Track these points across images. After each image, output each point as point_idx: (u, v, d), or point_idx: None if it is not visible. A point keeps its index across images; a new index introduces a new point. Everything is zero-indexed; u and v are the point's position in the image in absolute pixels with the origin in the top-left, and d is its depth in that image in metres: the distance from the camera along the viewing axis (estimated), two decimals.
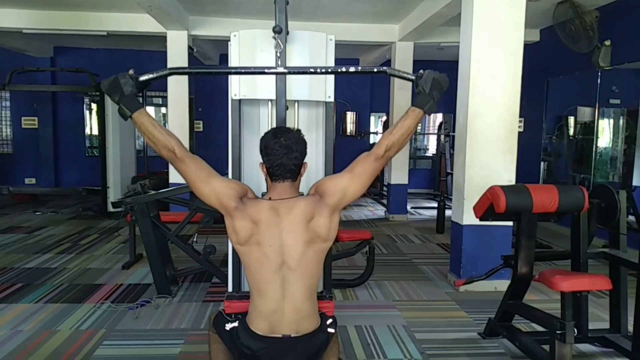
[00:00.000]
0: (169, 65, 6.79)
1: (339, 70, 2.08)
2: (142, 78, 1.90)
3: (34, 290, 4.16)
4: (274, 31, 2.31)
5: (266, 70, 2.19)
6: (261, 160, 2.01)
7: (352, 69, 2.07)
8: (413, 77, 1.94)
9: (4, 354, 2.99)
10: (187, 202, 4.38)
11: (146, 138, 1.86)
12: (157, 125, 1.86)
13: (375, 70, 2.10)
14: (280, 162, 1.93)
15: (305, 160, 2.02)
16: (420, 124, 10.69)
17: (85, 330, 3.37)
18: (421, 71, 1.92)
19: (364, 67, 2.25)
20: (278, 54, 2.35)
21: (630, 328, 2.93)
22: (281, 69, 2.19)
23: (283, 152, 1.93)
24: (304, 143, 2.01)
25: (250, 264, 1.93)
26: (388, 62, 8.10)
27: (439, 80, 1.87)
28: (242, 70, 2.32)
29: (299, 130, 2.06)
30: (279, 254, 1.88)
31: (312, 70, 2.20)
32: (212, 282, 4.42)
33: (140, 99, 8.50)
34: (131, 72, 1.85)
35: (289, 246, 1.88)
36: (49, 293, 4.09)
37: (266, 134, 2.02)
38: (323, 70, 2.19)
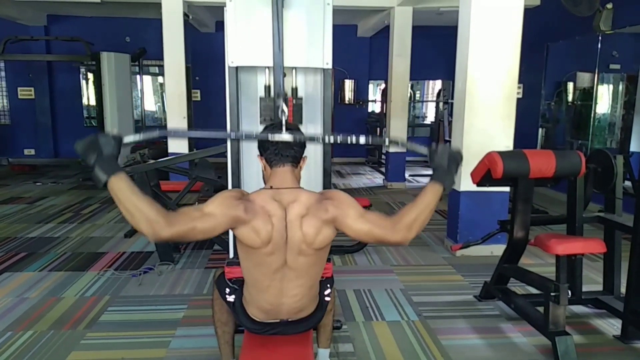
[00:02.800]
0: (164, 32, 6.70)
1: (348, 141, 1.80)
2: (127, 140, 1.63)
3: (38, 259, 4.23)
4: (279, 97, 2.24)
5: (269, 137, 1.83)
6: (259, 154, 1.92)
7: (362, 140, 1.79)
8: (427, 152, 1.79)
9: (11, 320, 3.07)
10: (186, 171, 4.40)
11: (122, 208, 1.52)
12: (136, 193, 1.52)
13: (386, 142, 2.00)
14: (279, 146, 1.83)
15: (305, 155, 1.91)
16: (418, 92, 10.61)
17: (89, 297, 3.44)
18: (433, 145, 1.76)
19: (375, 136, 2.15)
20: (283, 119, 2.03)
21: (623, 290, 3.00)
22: (286, 137, 1.83)
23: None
24: (303, 135, 1.92)
25: (253, 263, 1.81)
26: (387, 28, 7.98)
27: (454, 154, 1.72)
28: (243, 136, 2.19)
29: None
30: (282, 252, 1.76)
31: (319, 139, 2.09)
32: (213, 250, 4.49)
33: (137, 68, 8.38)
34: (115, 131, 1.61)
35: (292, 243, 1.75)
36: (52, 261, 4.16)
37: (264, 128, 1.97)
38: (329, 139, 1.89)
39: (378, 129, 10.35)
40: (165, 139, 1.74)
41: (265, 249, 1.74)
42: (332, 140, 1.83)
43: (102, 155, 1.53)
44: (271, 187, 1.82)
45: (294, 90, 2.60)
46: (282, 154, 1.82)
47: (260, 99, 2.58)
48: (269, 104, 2.54)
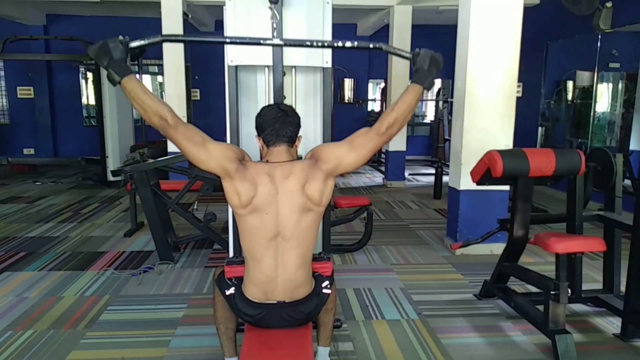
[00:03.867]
0: (164, 32, 6.69)
1: (335, 44, 2.03)
2: (133, 44, 1.81)
3: (37, 258, 4.23)
4: (270, 1, 2.27)
5: (262, 42, 2.12)
6: (257, 134, 2.06)
7: (348, 44, 2.01)
8: (410, 55, 1.96)
9: (11, 319, 3.07)
10: (186, 170, 4.39)
11: (136, 105, 1.75)
12: (147, 92, 1.75)
13: (371, 46, 2.07)
14: (276, 127, 1.97)
15: (300, 134, 2.06)
16: None
17: (89, 296, 3.44)
18: (417, 49, 1.95)
19: (361, 41, 2.23)
20: (274, 25, 2.31)
21: (623, 288, 3.00)
22: (277, 41, 2.12)
23: (278, 116, 1.99)
24: (298, 116, 2.07)
25: (246, 231, 1.94)
26: (386, 27, 7.98)
27: (436, 57, 1.92)
28: (237, 40, 2.28)
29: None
30: (275, 222, 1.89)
31: (307, 43, 2.16)
32: (213, 249, 4.49)
33: (136, 67, 8.41)
34: (121, 37, 1.76)
35: (284, 215, 1.89)
36: (52, 261, 4.16)
37: (261, 109, 2.08)
38: (318, 44, 2.13)
39: None
40: (167, 40, 1.83)
41: (242, 210, 1.89)
42: (325, 44, 2.07)
43: (113, 58, 1.72)
44: (267, 161, 1.98)
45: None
46: (278, 134, 1.97)
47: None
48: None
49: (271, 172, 1.91)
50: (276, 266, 1.93)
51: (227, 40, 2.20)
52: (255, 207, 1.88)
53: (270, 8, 2.29)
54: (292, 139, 2.01)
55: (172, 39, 2.36)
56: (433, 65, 1.91)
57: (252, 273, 1.97)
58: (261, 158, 2.07)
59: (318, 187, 1.90)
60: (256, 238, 1.91)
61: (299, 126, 2.05)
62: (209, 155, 1.84)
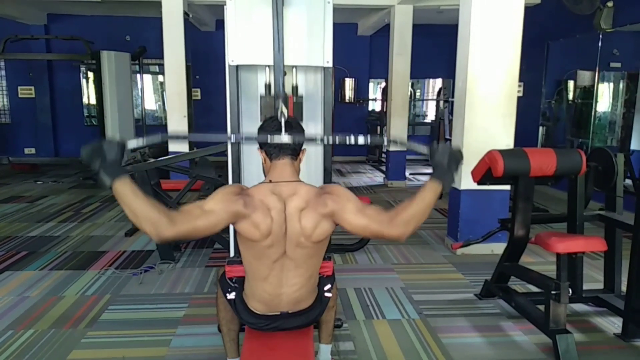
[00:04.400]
0: (165, 31, 6.70)
1: (347, 141, 1.83)
2: (130, 145, 1.67)
3: (38, 257, 4.23)
4: None
5: (269, 140, 1.87)
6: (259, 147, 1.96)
7: (360, 140, 1.82)
8: (427, 151, 1.80)
9: (12, 318, 3.07)
10: (187, 170, 4.40)
11: (127, 210, 1.59)
12: (140, 196, 1.58)
13: (385, 142, 2.01)
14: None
15: (304, 148, 1.95)
16: (419, 90, 10.58)
17: (90, 295, 3.45)
18: (435, 144, 1.78)
19: (374, 137, 2.15)
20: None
21: (624, 288, 3.00)
22: (285, 138, 1.86)
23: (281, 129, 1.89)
24: (302, 128, 1.96)
25: (252, 257, 1.85)
26: (387, 27, 7.97)
27: (455, 153, 1.73)
28: (244, 139, 2.21)
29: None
30: (282, 242, 1.80)
31: (318, 141, 2.04)
32: (214, 248, 4.49)
33: (137, 67, 8.39)
34: (117, 138, 1.64)
35: (291, 235, 1.79)
36: (53, 260, 4.16)
37: (263, 121, 2.00)
38: (328, 140, 1.95)
39: (378, 128, 10.35)
40: (167, 142, 1.79)
41: (264, 242, 1.77)
42: (330, 141, 1.86)
43: (106, 160, 1.59)
44: (270, 181, 1.86)
45: (294, 89, 2.59)
46: (281, 147, 1.87)
47: (261, 97, 2.58)
48: (270, 102, 2.54)
49: (276, 189, 1.81)
50: (280, 285, 1.87)
51: (232, 139, 2.17)
52: (273, 234, 1.77)
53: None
54: (295, 152, 1.91)
55: (173, 135, 2.31)
56: (453, 161, 1.72)
57: (255, 290, 1.92)
58: (264, 171, 1.98)
59: (314, 218, 1.78)
60: (262, 261, 1.83)
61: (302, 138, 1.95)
62: (215, 214, 1.69)
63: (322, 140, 1.95)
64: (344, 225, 1.79)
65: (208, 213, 1.68)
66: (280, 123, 1.88)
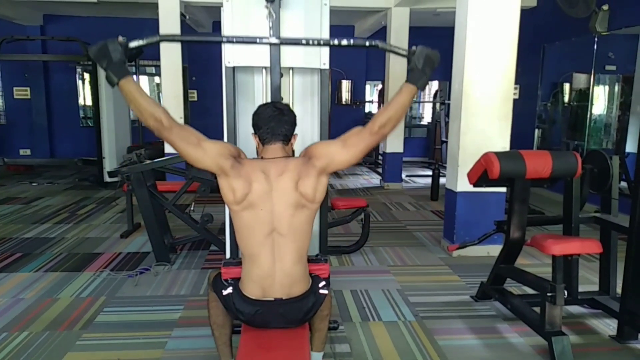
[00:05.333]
0: (161, 32, 6.68)
1: (331, 42, 2.03)
2: (132, 45, 1.83)
3: (33, 259, 4.21)
4: (267, 0, 2.28)
5: (258, 41, 2.14)
6: (253, 132, 2.10)
7: (344, 42, 1.99)
8: (405, 53, 1.94)
9: (7, 320, 3.05)
10: (183, 171, 4.38)
11: (132, 106, 1.82)
12: (144, 94, 1.81)
13: (367, 44, 2.05)
14: (271, 125, 2.01)
15: (295, 132, 2.09)
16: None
17: (85, 297, 3.43)
18: (414, 47, 1.93)
19: (357, 39, 2.21)
20: (271, 24, 2.32)
21: (619, 290, 3.01)
22: (274, 39, 2.14)
23: (274, 115, 2.03)
24: (294, 114, 2.09)
25: (242, 228, 1.97)
26: (384, 29, 7.99)
27: (431, 56, 1.89)
28: (234, 40, 2.29)
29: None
30: (270, 218, 1.92)
31: (304, 42, 2.16)
32: (210, 250, 4.48)
33: (133, 68, 8.40)
34: (120, 38, 1.78)
35: (279, 211, 1.92)
36: (48, 262, 4.14)
37: (258, 107, 2.11)
38: (315, 42, 2.15)
39: None
40: (165, 40, 1.84)
41: (236, 207, 1.92)
42: (315, 43, 2.13)
43: (112, 60, 1.76)
44: (262, 158, 2.03)
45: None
46: (274, 132, 2.01)
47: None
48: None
49: (265, 168, 1.94)
50: (273, 261, 1.95)
51: (224, 39, 2.18)
52: (250, 204, 1.91)
53: (267, 7, 2.30)
54: (287, 137, 2.05)
55: (170, 38, 2.38)
56: (427, 64, 1.89)
57: (249, 270, 1.98)
58: (257, 156, 2.11)
59: (311, 184, 1.93)
60: (252, 234, 1.94)
61: (294, 124, 2.08)
62: (204, 153, 1.88)
63: (307, 41, 2.13)
64: (341, 167, 1.99)
65: (200, 148, 1.87)
66: (275, 109, 2.04)
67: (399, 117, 1.92)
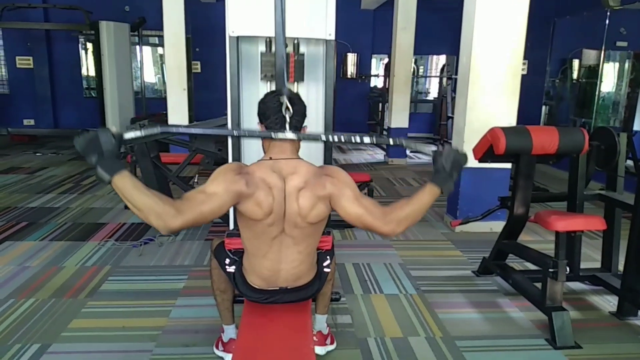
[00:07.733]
0: (164, 2, 6.57)
1: (352, 139, 1.77)
2: (127, 136, 1.60)
3: (38, 228, 4.24)
4: None
5: (272, 136, 1.79)
6: (259, 121, 1.91)
7: (366, 140, 1.79)
8: (431, 153, 1.77)
9: (13, 287, 3.10)
10: (187, 143, 4.37)
11: (129, 204, 1.53)
12: (141, 188, 1.53)
13: (391, 142, 1.88)
14: (280, 115, 1.80)
15: (305, 124, 1.91)
16: (422, 67, 10.45)
17: (90, 266, 3.47)
18: (440, 147, 1.78)
19: (380, 137, 2.11)
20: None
21: (621, 267, 3.02)
22: (290, 135, 1.80)
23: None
24: (304, 104, 1.90)
25: (252, 234, 1.85)
26: (391, 1, 7.83)
27: (459, 159, 1.71)
28: (247, 134, 2.14)
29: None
30: (281, 221, 1.79)
31: (323, 139, 1.92)
32: (213, 222, 4.50)
33: (136, 38, 8.26)
34: (114, 129, 1.55)
35: (289, 214, 1.78)
36: (53, 231, 4.18)
37: (264, 95, 1.92)
38: (333, 138, 1.83)
39: (380, 105, 10.26)
40: (167, 136, 1.75)
41: (266, 220, 1.76)
42: (335, 139, 1.81)
43: (102, 154, 1.51)
44: (270, 158, 1.83)
45: (296, 46, 2.55)
46: (282, 124, 1.81)
47: (261, 54, 2.53)
48: (270, 59, 2.50)
49: (276, 167, 1.79)
50: (279, 261, 1.88)
51: (235, 133, 2.08)
52: (274, 213, 1.76)
53: None
54: (297, 129, 1.84)
55: (173, 130, 2.23)
56: (455, 167, 1.70)
57: (254, 266, 1.93)
58: (263, 147, 1.93)
59: (310, 200, 1.77)
60: (262, 238, 1.83)
61: (304, 115, 1.88)
62: (219, 197, 1.65)
63: (327, 138, 1.86)
64: (339, 210, 1.78)
65: (212, 196, 1.65)
66: (284, 123, 1.81)
67: (417, 219, 1.75)
